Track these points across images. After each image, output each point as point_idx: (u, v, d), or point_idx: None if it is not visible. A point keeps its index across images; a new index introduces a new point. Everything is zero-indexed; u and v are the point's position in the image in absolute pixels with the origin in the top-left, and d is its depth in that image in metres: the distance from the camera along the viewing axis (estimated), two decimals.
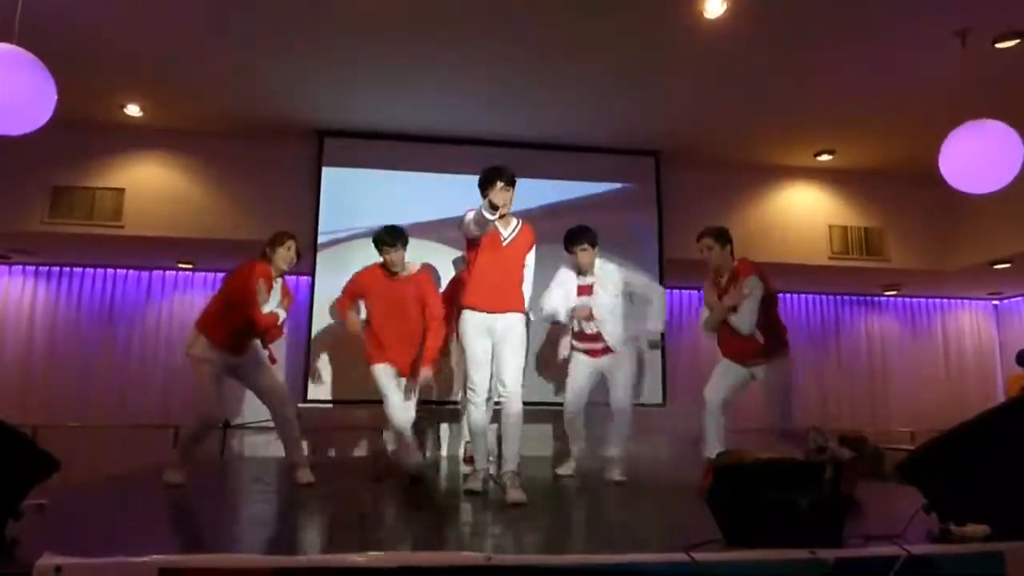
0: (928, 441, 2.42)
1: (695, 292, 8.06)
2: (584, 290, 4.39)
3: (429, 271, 4.85)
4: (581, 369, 4.41)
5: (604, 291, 4.36)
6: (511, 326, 3.65)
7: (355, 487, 3.72)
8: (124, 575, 1.69)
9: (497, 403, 3.73)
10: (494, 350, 3.66)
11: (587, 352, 4.40)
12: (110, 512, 2.90)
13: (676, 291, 7.84)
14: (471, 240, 3.68)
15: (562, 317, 4.41)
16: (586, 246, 4.34)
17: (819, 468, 2.19)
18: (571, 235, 4.40)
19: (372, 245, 4.44)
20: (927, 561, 1.95)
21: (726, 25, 4.40)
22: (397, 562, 1.80)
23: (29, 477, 1.98)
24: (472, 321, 3.63)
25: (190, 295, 7.28)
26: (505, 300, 3.66)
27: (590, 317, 4.31)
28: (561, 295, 4.41)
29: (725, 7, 4.22)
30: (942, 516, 2.26)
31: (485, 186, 3.60)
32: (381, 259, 4.41)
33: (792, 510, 2.00)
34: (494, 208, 3.36)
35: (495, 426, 4.01)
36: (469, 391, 3.63)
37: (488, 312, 3.62)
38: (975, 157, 4.23)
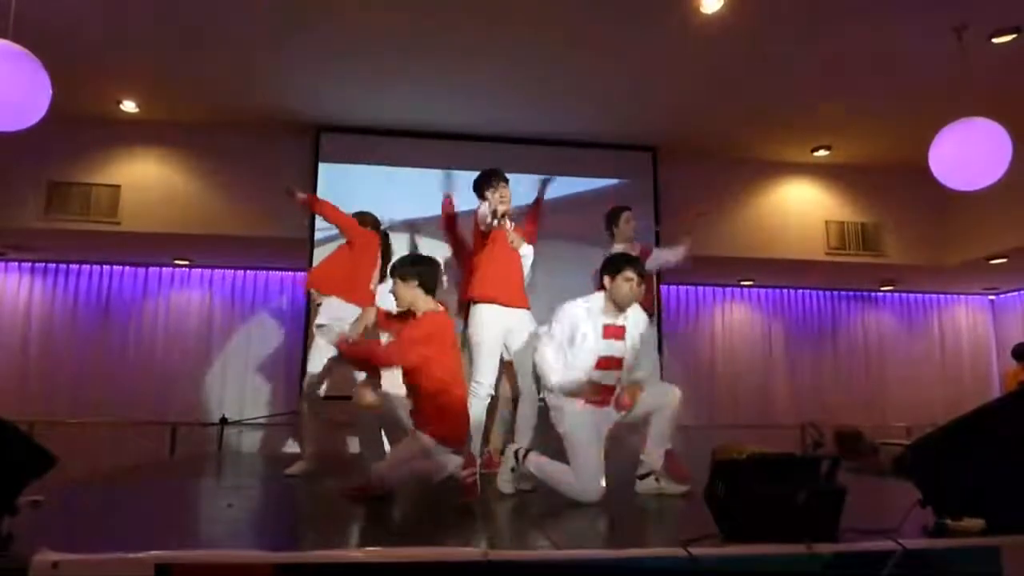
0: (924, 436, 2.42)
1: (692, 288, 8.09)
2: (614, 332, 3.22)
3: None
4: (592, 427, 3.15)
5: (636, 333, 3.30)
6: (525, 323, 3.71)
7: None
8: (121, 571, 1.69)
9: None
10: (508, 347, 3.70)
11: (597, 403, 3.23)
12: (107, 508, 2.89)
13: (673, 287, 7.86)
14: (478, 236, 3.75)
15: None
16: (635, 276, 3.20)
17: (815, 462, 2.20)
18: (622, 260, 3.26)
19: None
20: (923, 555, 1.95)
21: (723, 21, 4.40)
22: (395, 558, 1.80)
23: (25, 473, 1.97)
24: (489, 314, 3.64)
25: (187, 292, 7.27)
26: (519, 296, 3.73)
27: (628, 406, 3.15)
28: (583, 353, 3.17)
29: (722, 2, 4.21)
30: (938, 511, 2.26)
31: (484, 187, 3.77)
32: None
33: (788, 505, 2.00)
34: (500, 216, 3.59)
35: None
36: (474, 383, 3.61)
37: (505, 306, 3.65)
38: (964, 154, 4.25)
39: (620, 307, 3.24)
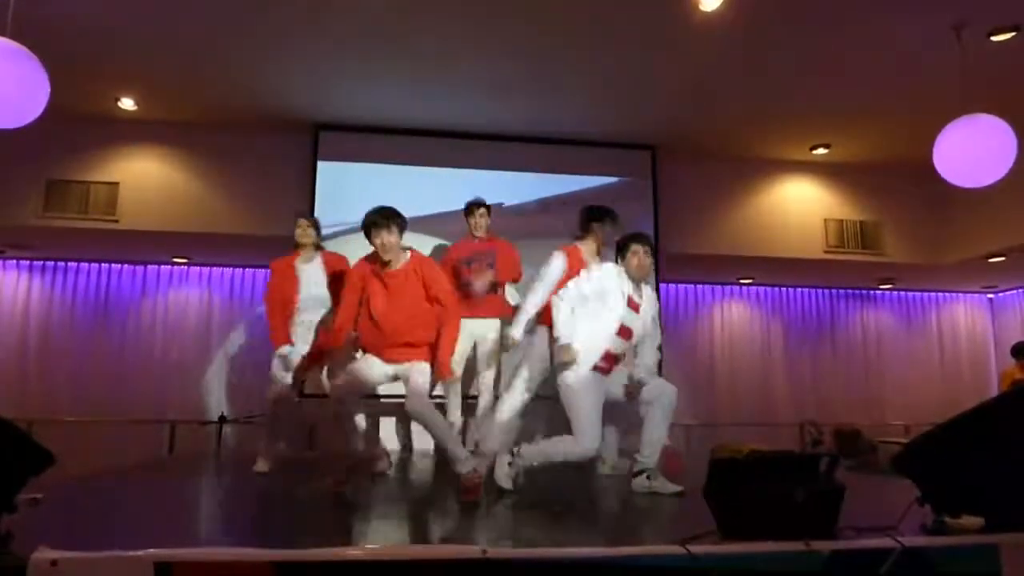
0: (923, 434, 2.42)
1: (691, 286, 8.09)
2: (633, 305, 3.34)
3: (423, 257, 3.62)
4: (597, 392, 3.24)
5: (649, 312, 3.44)
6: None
7: (351, 481, 3.71)
8: (120, 569, 1.69)
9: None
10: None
11: (603, 370, 3.30)
12: (106, 506, 2.89)
13: (672, 285, 7.86)
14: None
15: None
16: (640, 247, 3.38)
17: (814, 461, 2.20)
18: (627, 237, 3.44)
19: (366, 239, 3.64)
20: (921, 553, 1.96)
21: (722, 19, 4.39)
22: (394, 555, 1.80)
23: (24, 471, 1.97)
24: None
25: (185, 290, 7.27)
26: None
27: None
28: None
29: (721, 1, 4.21)
30: (937, 508, 2.27)
31: (601, 221, 3.95)
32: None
33: (787, 502, 2.01)
34: None
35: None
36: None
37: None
38: (969, 151, 4.25)
39: (635, 280, 3.38)
